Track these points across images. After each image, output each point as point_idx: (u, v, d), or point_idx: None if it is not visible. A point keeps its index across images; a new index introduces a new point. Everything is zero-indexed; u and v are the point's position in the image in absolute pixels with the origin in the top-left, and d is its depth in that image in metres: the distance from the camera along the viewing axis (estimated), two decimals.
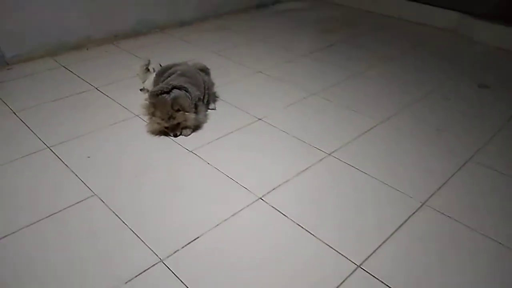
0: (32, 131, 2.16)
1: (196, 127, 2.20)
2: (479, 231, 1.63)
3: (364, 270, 1.44)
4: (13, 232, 1.56)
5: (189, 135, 2.16)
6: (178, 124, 2.12)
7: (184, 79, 2.25)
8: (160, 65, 2.47)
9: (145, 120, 2.20)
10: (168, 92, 2.14)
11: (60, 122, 2.25)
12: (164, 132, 2.14)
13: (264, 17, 4.08)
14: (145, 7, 3.47)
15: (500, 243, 1.57)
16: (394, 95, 2.65)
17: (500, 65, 3.16)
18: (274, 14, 4.17)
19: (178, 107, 2.08)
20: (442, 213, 1.71)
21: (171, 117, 2.09)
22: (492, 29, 3.49)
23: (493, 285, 1.42)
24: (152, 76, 2.42)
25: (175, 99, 2.08)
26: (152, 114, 2.11)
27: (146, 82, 2.47)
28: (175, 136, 2.14)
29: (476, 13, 3.60)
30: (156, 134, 2.15)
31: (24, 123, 2.22)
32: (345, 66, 3.03)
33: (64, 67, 2.89)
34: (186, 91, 2.17)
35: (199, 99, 2.25)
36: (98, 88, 2.61)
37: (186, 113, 2.12)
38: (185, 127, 2.16)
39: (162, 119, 2.09)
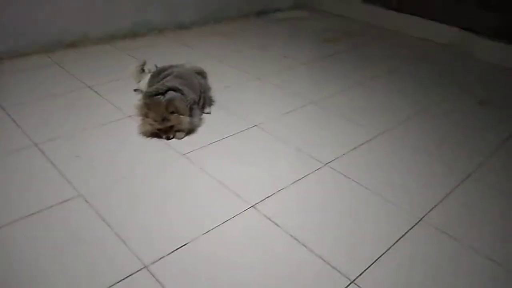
0: (19, 127, 2.09)
1: (190, 131, 2.14)
2: (477, 250, 1.57)
3: (358, 286, 1.38)
4: None
5: (182, 138, 2.10)
6: (172, 126, 2.06)
7: (180, 81, 2.19)
8: (156, 66, 2.42)
9: (137, 121, 2.14)
10: (163, 94, 2.08)
11: (50, 120, 2.18)
12: (157, 134, 2.07)
13: (264, 25, 4.05)
14: (144, 8, 3.42)
15: (498, 263, 1.52)
16: (393, 107, 2.61)
17: (501, 83, 3.14)
18: (275, 22, 4.14)
19: (172, 109, 2.02)
20: (440, 230, 1.65)
21: (164, 119, 2.02)
22: (494, 47, 3.46)
23: None
24: (147, 77, 2.36)
25: (170, 101, 2.03)
26: (145, 115, 2.05)
27: (140, 83, 2.41)
28: (168, 139, 2.07)
29: (478, 31, 3.58)
30: (148, 136, 2.08)
31: (12, 119, 2.15)
32: (345, 76, 2.99)
33: (58, 64, 2.83)
34: (182, 93, 2.11)
35: (195, 102, 2.19)
36: (92, 87, 2.55)
37: (181, 116, 2.06)
38: (179, 130, 2.09)
39: (155, 121, 2.03)
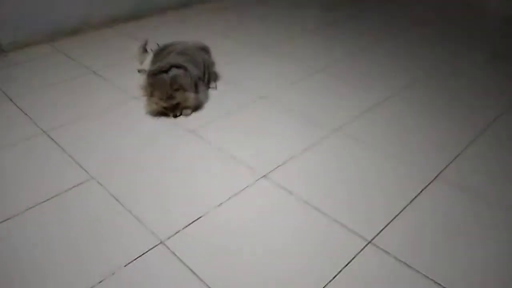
0: (28, 116, 2.09)
1: (196, 107, 2.12)
2: (495, 203, 1.54)
3: (375, 246, 1.37)
4: (13, 216, 1.51)
5: (189, 115, 2.08)
6: (178, 104, 2.04)
7: (183, 57, 2.17)
8: (158, 45, 2.39)
9: (144, 101, 2.12)
10: (166, 71, 2.06)
11: (57, 107, 2.18)
12: (164, 112, 2.06)
13: None
14: None
15: None
16: (401, 70, 2.55)
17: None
18: None
19: (177, 86, 2.00)
20: (456, 186, 1.62)
21: (170, 97, 2.01)
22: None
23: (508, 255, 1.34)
24: (150, 57, 2.34)
25: (174, 78, 2.01)
26: (151, 94, 2.03)
27: (143, 63, 2.39)
28: (175, 116, 2.06)
29: None
30: (155, 115, 2.07)
31: (20, 109, 2.16)
32: (350, 42, 2.92)
33: (61, 52, 2.82)
34: (185, 69, 2.09)
35: (199, 78, 2.17)
36: (96, 72, 2.54)
37: (186, 93, 2.04)
38: (185, 107, 2.08)
39: (161, 99, 2.01)
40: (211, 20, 3.36)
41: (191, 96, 2.05)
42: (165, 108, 2.03)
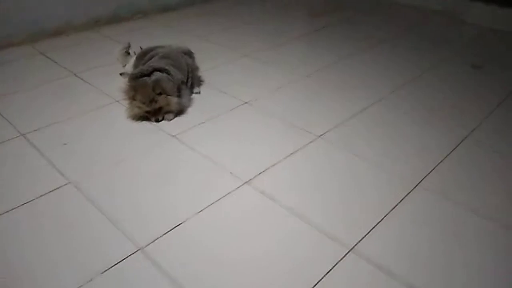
0: (5, 119, 2.04)
1: (179, 112, 2.10)
2: (475, 211, 1.54)
3: (356, 254, 1.36)
4: None
5: (171, 119, 2.06)
6: (160, 108, 2.01)
7: (166, 61, 2.14)
8: (141, 48, 2.36)
9: (125, 105, 2.09)
10: (148, 75, 2.03)
11: (36, 109, 2.13)
12: (145, 117, 2.03)
13: (251, 2, 3.96)
14: None
15: (498, 223, 1.50)
16: (386, 76, 2.56)
17: (493, 45, 3.09)
18: None
19: (160, 90, 1.97)
20: (438, 193, 1.62)
21: (152, 101, 1.98)
22: (486, 11, 3.40)
23: (487, 264, 1.34)
24: (132, 60, 2.30)
25: (156, 81, 1.98)
26: (132, 98, 2.00)
27: (126, 66, 2.36)
28: (157, 121, 2.03)
29: None
30: (137, 120, 2.04)
31: None
32: (335, 49, 2.93)
33: (42, 54, 2.76)
34: (168, 73, 2.06)
35: (182, 82, 2.14)
36: (77, 74, 2.49)
37: (169, 97, 2.01)
38: (168, 112, 2.05)
39: (143, 103, 1.98)
40: (196, 25, 3.34)
41: (173, 100, 2.02)
42: (147, 112, 2.00)
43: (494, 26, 3.36)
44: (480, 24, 3.42)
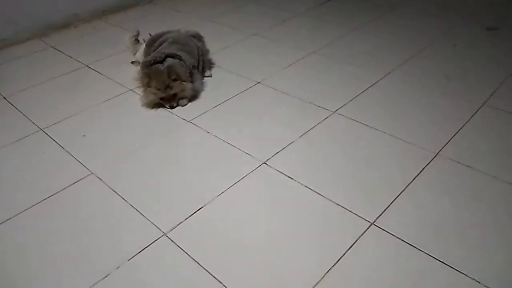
0: (23, 115, 2.07)
1: (193, 97, 2.10)
2: (498, 177, 1.53)
3: (378, 227, 1.37)
4: (13, 217, 1.50)
5: (186, 105, 2.06)
6: (175, 94, 2.02)
7: (177, 46, 2.14)
8: (150, 35, 2.35)
9: (139, 93, 2.10)
10: (161, 62, 2.03)
11: (52, 103, 2.16)
12: (160, 104, 2.04)
13: None
14: None
15: None
16: (397, 46, 2.52)
17: (508, 5, 2.99)
18: None
19: (174, 76, 1.98)
20: (457, 162, 1.61)
21: (168, 87, 1.98)
22: None
23: None
24: (142, 47, 2.31)
25: (170, 67, 1.97)
26: (147, 85, 2.00)
27: (136, 54, 2.36)
28: (172, 107, 2.04)
29: None
30: (152, 107, 2.05)
31: (15, 107, 2.14)
32: (343, 22, 2.88)
33: (52, 47, 2.78)
34: (180, 59, 2.06)
35: (194, 66, 2.14)
36: (89, 66, 2.51)
37: (183, 83, 2.01)
38: (182, 98, 2.06)
39: (158, 89, 1.98)
40: (202, 7, 3.31)
41: (188, 86, 2.02)
42: (162, 98, 2.01)
43: None
44: None
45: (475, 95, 2.00)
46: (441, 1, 3.13)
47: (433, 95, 2.03)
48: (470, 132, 1.77)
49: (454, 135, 1.76)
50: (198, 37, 2.39)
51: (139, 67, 2.19)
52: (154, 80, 1.98)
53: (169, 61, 2.03)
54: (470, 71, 2.21)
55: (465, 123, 1.82)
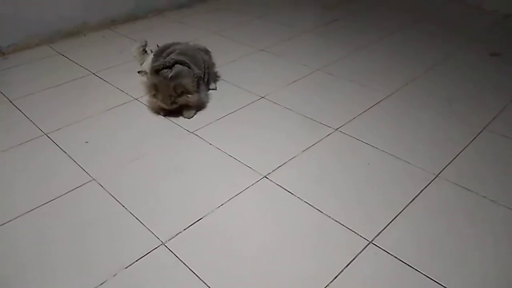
0: (28, 119, 2.09)
1: (199, 108, 2.12)
2: (496, 201, 1.54)
3: (376, 246, 1.37)
4: (12, 219, 1.51)
5: (192, 117, 2.08)
6: (180, 106, 2.04)
7: (184, 57, 2.16)
8: (158, 46, 2.38)
9: (144, 103, 2.13)
10: (170, 67, 2.05)
11: (57, 109, 2.18)
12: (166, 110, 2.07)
13: None
14: None
15: None
16: (401, 67, 2.55)
17: (511, 32, 3.03)
18: None
19: (181, 90, 1.99)
20: (457, 185, 1.62)
21: (173, 103, 2.01)
22: None
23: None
24: (150, 58, 2.33)
25: (178, 81, 1.98)
26: (154, 95, 2.02)
27: (143, 64, 2.39)
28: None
29: None
30: (158, 113, 2.08)
31: (21, 111, 2.16)
32: (348, 41, 2.92)
33: (60, 54, 2.82)
34: (189, 67, 2.09)
35: (200, 77, 2.16)
36: (96, 73, 2.54)
37: (189, 96, 2.03)
38: (188, 108, 2.07)
39: (164, 103, 2.01)
40: (210, 20, 3.36)
41: (194, 99, 2.04)
42: (169, 110, 2.04)
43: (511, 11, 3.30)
44: (496, 10, 3.36)
45: (476, 119, 2.02)
46: (446, 24, 3.18)
47: (435, 117, 2.05)
48: (470, 155, 1.78)
49: (455, 157, 1.77)
50: (205, 51, 2.42)
51: (145, 77, 2.21)
52: (161, 93, 2.00)
53: (178, 67, 2.05)
54: (473, 95, 2.23)
55: (466, 146, 1.83)
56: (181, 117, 2.07)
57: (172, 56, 2.15)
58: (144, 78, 2.20)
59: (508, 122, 1.99)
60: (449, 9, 3.51)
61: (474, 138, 1.88)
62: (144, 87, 2.07)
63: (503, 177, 1.67)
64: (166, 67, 2.04)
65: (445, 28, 3.12)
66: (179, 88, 1.98)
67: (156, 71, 2.04)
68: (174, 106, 2.02)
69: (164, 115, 2.08)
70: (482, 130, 1.93)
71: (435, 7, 3.55)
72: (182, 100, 2.02)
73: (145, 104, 2.15)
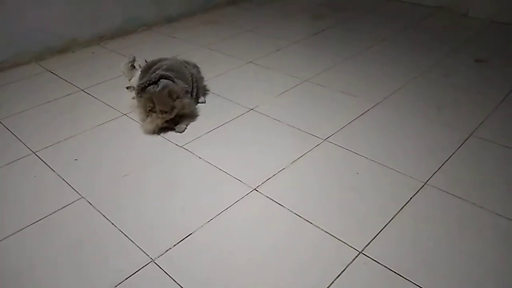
0: (17, 137, 2.09)
1: (191, 118, 2.14)
2: (484, 207, 1.55)
3: (366, 256, 1.37)
4: (1, 240, 1.50)
5: (183, 131, 2.08)
6: (178, 113, 2.05)
7: (170, 73, 2.17)
8: (146, 62, 2.39)
9: (138, 120, 2.11)
10: (155, 83, 2.05)
11: (46, 127, 2.17)
12: (164, 127, 2.06)
13: (252, 8, 3.99)
14: (131, 5, 3.38)
15: (507, 218, 1.50)
16: (389, 76, 2.57)
17: (496, 39, 3.08)
18: (263, 5, 4.08)
19: (176, 95, 2.00)
20: (445, 192, 1.63)
21: (173, 108, 2.01)
22: (487, 4, 3.39)
23: (501, 261, 1.34)
24: (138, 73, 2.34)
25: (168, 89, 1.99)
26: (152, 110, 2.02)
27: (132, 80, 2.39)
28: (176, 124, 2.07)
29: None
30: (156, 132, 2.06)
31: (9, 130, 2.15)
32: (337, 51, 2.95)
33: (49, 71, 2.82)
34: (173, 81, 2.09)
35: (187, 91, 2.17)
36: (85, 90, 2.54)
37: (183, 100, 2.04)
38: (183, 115, 2.08)
39: (165, 112, 2.00)
40: (199, 34, 3.38)
41: (187, 102, 2.06)
42: (166, 121, 2.03)
43: (496, 19, 3.35)
44: (482, 17, 3.41)
45: (463, 125, 2.04)
46: (433, 33, 3.22)
47: (423, 125, 2.06)
48: (458, 162, 1.80)
49: (442, 164, 1.78)
50: (193, 65, 2.43)
51: (134, 93, 2.22)
52: (159, 103, 1.99)
53: (164, 81, 2.05)
54: (460, 101, 2.26)
55: (453, 153, 1.85)
56: (169, 132, 2.07)
57: (158, 72, 2.16)
58: (132, 96, 2.19)
59: (494, 128, 2.01)
60: (436, 17, 3.55)
61: (461, 145, 1.90)
62: (138, 108, 2.06)
63: (490, 183, 1.68)
64: (152, 83, 2.05)
65: (433, 35, 3.16)
66: (173, 93, 2.00)
67: (142, 89, 2.05)
68: (175, 111, 2.01)
69: (158, 133, 2.07)
70: (469, 136, 1.95)
71: (422, 15, 3.59)
72: (178, 104, 2.02)
73: (134, 120, 2.14)
